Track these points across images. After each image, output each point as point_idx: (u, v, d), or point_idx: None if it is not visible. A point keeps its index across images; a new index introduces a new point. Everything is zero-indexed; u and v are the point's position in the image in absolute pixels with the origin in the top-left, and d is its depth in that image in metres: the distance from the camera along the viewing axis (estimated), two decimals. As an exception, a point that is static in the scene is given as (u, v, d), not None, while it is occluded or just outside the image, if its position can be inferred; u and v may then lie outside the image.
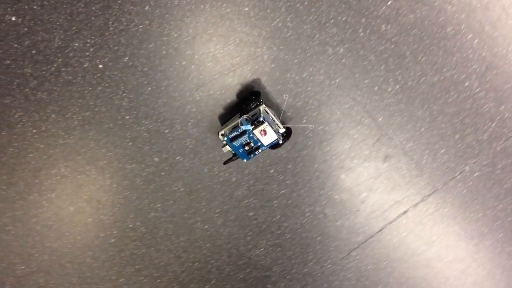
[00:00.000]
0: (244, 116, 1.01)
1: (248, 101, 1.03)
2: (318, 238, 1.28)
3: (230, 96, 1.11)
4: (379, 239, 1.29)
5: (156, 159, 1.16)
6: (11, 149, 1.11)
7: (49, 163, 1.13)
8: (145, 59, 1.06)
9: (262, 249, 1.29)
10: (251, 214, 1.24)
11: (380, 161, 1.20)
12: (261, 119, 0.99)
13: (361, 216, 1.26)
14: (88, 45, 1.03)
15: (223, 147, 1.07)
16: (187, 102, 1.11)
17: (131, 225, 1.23)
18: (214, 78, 1.09)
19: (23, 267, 1.27)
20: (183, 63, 1.07)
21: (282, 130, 1.06)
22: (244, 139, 1.03)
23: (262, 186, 1.20)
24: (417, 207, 1.25)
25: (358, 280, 1.34)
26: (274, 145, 1.07)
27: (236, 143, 1.04)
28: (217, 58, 1.07)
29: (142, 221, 1.22)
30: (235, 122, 1.03)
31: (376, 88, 1.13)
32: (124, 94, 1.08)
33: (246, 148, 1.05)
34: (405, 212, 1.26)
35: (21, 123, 1.08)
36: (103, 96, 1.08)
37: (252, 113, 1.03)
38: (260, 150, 1.05)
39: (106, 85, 1.07)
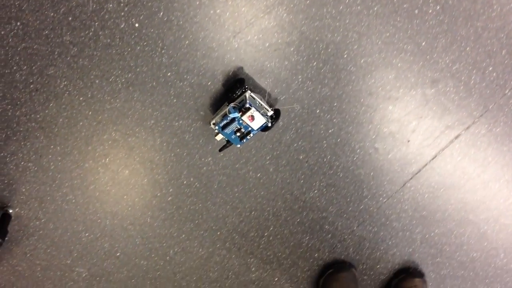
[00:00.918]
0: (231, 104, 1.05)
1: (233, 89, 1.06)
2: (371, 174, 1.28)
3: (268, 39, 1.09)
4: (433, 167, 1.27)
5: (202, 113, 1.16)
6: (61, 120, 1.13)
7: (99, 129, 1.15)
8: (180, 12, 1.05)
9: (316, 191, 1.29)
10: (301, 157, 1.24)
11: (427, 87, 1.17)
12: (247, 105, 1.04)
13: (412, 146, 1.24)
14: (122, 4, 1.03)
15: (216, 135, 1.11)
16: (226, 52, 1.10)
17: (185, 182, 1.25)
18: (250, 23, 1.08)
19: (87, 234, 1.31)
20: (218, 11, 1.06)
21: (270, 113, 1.09)
22: (234, 126, 1.08)
23: (310, 128, 1.20)
24: (469, 129, 1.23)
25: (415, 211, 1.33)
26: (265, 128, 1.10)
27: (228, 130, 1.09)
28: (251, 2, 1.06)
29: (195, 177, 1.24)
30: (224, 111, 1.06)
31: (416, 11, 1.10)
32: (163, 51, 1.08)
33: (238, 134, 1.10)
34: (457, 137, 1.24)
35: (67, 92, 1.09)
36: (142, 55, 1.08)
37: (239, 100, 1.06)
38: (251, 134, 1.10)
39: (145, 43, 1.07)
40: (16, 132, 1.13)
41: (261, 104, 1.07)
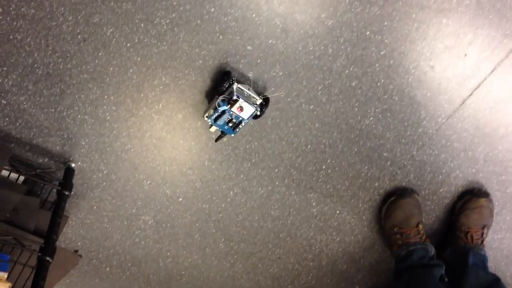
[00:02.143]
0: (220, 98, 1.10)
1: (221, 82, 1.11)
2: (428, 94, 1.24)
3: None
4: (493, 80, 1.22)
5: (249, 47, 1.14)
6: (111, 68, 1.13)
7: (149, 74, 1.15)
8: None
9: (371, 118, 1.26)
10: (354, 84, 1.21)
11: (483, -6, 1.11)
12: (235, 97, 1.10)
13: (470, 61, 1.19)
14: None
15: (210, 127, 1.17)
16: (268, -20, 1.07)
17: (239, 120, 1.24)
18: None
19: (149, 182, 1.34)
20: None
21: (259, 101, 1.15)
22: (226, 117, 1.13)
23: (361, 52, 1.16)
24: (531, 36, 1.16)
25: (476, 129, 1.29)
26: (255, 116, 1.17)
27: (220, 122, 1.15)
28: None
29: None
30: (214, 104, 1.12)
31: None
32: (204, -14, 1.06)
33: (230, 124, 1.16)
34: (518, 45, 1.17)
35: (114, 39, 1.09)
36: (184, -7, 1.06)
37: (227, 92, 1.11)
38: (243, 123, 1.16)
39: (185, -20, 1.05)
40: (70, 85, 1.14)
41: (249, 94, 1.13)
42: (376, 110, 1.25)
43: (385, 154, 1.33)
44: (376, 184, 1.40)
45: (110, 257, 1.49)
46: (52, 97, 1.16)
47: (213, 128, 1.18)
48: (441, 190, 1.41)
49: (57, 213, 1.12)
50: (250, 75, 1.17)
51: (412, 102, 1.24)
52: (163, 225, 1.43)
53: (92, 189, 1.33)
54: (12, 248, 1.08)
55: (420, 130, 1.29)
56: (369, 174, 1.37)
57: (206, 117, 1.16)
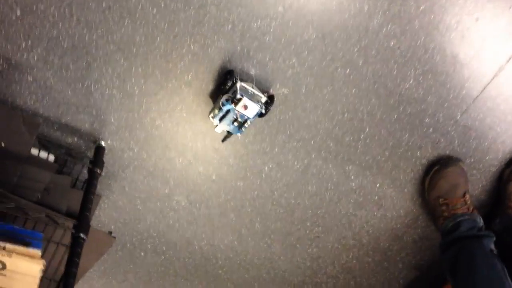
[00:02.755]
0: (224, 97, 1.09)
1: (224, 81, 1.10)
2: (471, 52, 1.16)
3: None
4: (543, 33, 1.14)
5: (280, 8, 1.08)
6: (138, 37, 1.09)
7: (176, 42, 1.10)
8: None
9: (411, 81, 1.19)
10: (392, 43, 1.14)
11: None
12: (239, 96, 1.07)
13: (516, 12, 1.11)
14: None
15: (215, 128, 1.15)
16: None
17: (271, 89, 1.19)
18: None
19: (181, 160, 1.29)
20: None
21: (264, 99, 1.11)
22: (231, 116, 1.10)
23: (399, 8, 1.09)
24: None
25: (525, 88, 1.21)
26: (261, 114, 1.13)
27: (225, 121, 1.12)
28: None
29: (281, 82, 1.18)
30: (218, 104, 1.10)
31: None
32: None
33: (235, 123, 1.12)
34: None
35: (140, 5, 1.05)
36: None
37: (231, 91, 1.09)
38: (248, 122, 1.12)
39: None
40: (96, 58, 1.11)
41: (253, 93, 1.10)
42: (416, 72, 1.18)
43: (427, 120, 1.26)
44: (418, 153, 1.33)
45: (144, 241, 1.45)
46: (78, 71, 1.12)
47: (219, 129, 1.15)
48: (487, 158, 1.34)
49: (89, 190, 1.08)
50: (252, 72, 1.14)
51: (455, 62, 1.17)
52: (197, 205, 1.39)
53: (123, 169, 1.29)
54: (45, 226, 1.04)
55: (463, 92, 1.22)
56: (410, 143, 1.30)
57: (212, 117, 1.14)
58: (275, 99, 1.15)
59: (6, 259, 0.91)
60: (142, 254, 1.48)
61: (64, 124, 1.20)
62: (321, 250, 1.52)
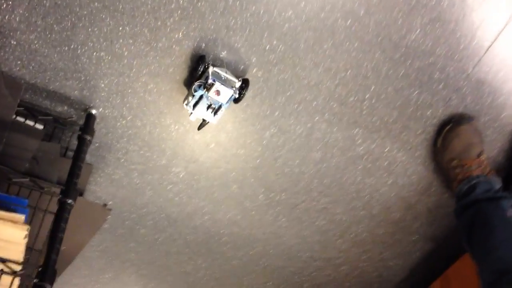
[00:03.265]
0: (196, 83, 1.05)
1: (196, 67, 1.07)
2: (482, -4, 1.08)
3: None
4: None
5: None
6: (123, -8, 1.03)
7: (165, -3, 1.04)
8: None
9: (418, 31, 1.12)
10: (395, -10, 1.06)
11: None
12: (210, 81, 1.04)
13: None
14: None
15: (190, 115, 1.11)
16: None
17: (268, 46, 1.12)
18: None
19: (177, 127, 1.23)
20: None
21: (238, 84, 1.08)
22: (204, 103, 1.07)
23: (400, -51, 1.02)
24: None
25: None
26: (236, 99, 1.10)
27: (199, 108, 1.08)
28: None
29: (278, 38, 1.11)
30: (191, 90, 1.07)
31: None
32: None
33: (209, 110, 1.09)
34: None
35: (123, -44, 0.99)
36: None
37: (203, 77, 1.06)
38: (223, 108, 1.09)
39: None
40: (81, 17, 1.05)
41: (226, 78, 1.07)
42: (423, 21, 1.10)
43: (436, 75, 1.18)
44: (429, 112, 1.25)
45: (144, 217, 1.39)
46: (63, 33, 1.06)
47: (193, 116, 1.11)
48: (503, 115, 1.25)
49: (78, 156, 1.03)
50: (223, 54, 1.11)
51: (464, 6, 1.09)
52: (196, 176, 1.32)
53: (118, 139, 1.23)
54: (30, 192, 0.99)
55: (474, 42, 1.14)
56: (419, 101, 1.22)
57: (186, 104, 1.11)
58: (249, 83, 1.11)
59: (-14, 225, 0.86)
60: (142, 231, 1.42)
61: (52, 91, 1.14)
62: (330, 223, 1.44)
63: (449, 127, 1.23)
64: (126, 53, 1.10)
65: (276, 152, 1.29)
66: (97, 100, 1.16)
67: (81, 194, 1.21)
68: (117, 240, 1.43)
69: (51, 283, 0.81)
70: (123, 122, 1.21)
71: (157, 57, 1.11)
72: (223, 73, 1.07)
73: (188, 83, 1.14)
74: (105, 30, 1.07)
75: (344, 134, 1.26)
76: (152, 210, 1.37)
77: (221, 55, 1.11)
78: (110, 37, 1.08)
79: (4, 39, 1.06)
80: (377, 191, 1.37)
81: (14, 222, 0.87)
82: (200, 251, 1.48)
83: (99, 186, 1.32)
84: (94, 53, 1.10)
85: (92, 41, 1.08)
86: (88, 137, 1.08)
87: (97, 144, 1.24)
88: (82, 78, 1.13)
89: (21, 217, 0.88)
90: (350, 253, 1.52)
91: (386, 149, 1.30)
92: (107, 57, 1.10)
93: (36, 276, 0.81)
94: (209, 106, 1.08)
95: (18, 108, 1.07)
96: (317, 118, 1.23)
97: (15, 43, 1.07)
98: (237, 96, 1.09)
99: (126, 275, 1.52)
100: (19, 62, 1.09)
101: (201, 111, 1.09)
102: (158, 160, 1.28)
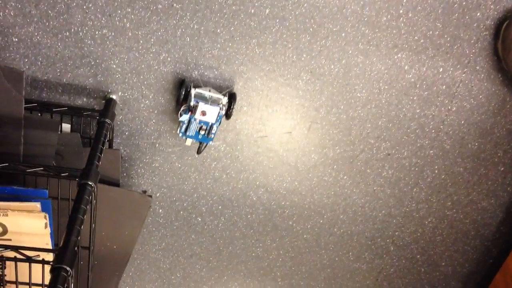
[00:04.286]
0: (182, 108, 1.05)
1: (180, 92, 1.06)
2: None
3: None
4: None
5: None
6: (106, -44, 0.97)
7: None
8: None
9: None
10: None
11: None
12: (193, 103, 1.03)
13: None
14: None
15: (185, 141, 1.11)
16: None
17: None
18: None
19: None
20: None
21: (225, 100, 1.06)
22: (194, 126, 1.07)
23: None
24: None
25: None
26: (226, 115, 1.08)
27: (191, 132, 1.08)
28: None
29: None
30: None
31: None
32: None
33: (202, 132, 1.08)
34: None
35: None
36: None
37: (188, 100, 1.05)
38: (215, 127, 1.08)
39: None
40: (72, -5, 0.99)
41: (211, 96, 1.05)
42: None
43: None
44: (478, 13, 1.07)
45: (196, 203, 1.31)
46: (60, 17, 1.02)
47: (189, 141, 1.11)
48: None
49: (98, 139, 0.96)
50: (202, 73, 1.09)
51: None
52: (238, 146, 1.22)
53: (146, 123, 1.16)
54: (48, 181, 0.93)
55: None
56: (464, 3, 1.05)
57: (179, 132, 1.09)
58: (237, 96, 1.10)
59: (2, 219, 0.80)
60: (199, 219, 1.34)
61: (67, 84, 1.10)
62: (398, 170, 1.28)
63: (506, 25, 1.05)
64: (128, 25, 1.04)
65: (316, 101, 1.16)
66: (114, 84, 1.10)
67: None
68: (176, 234, 1.36)
69: (71, 266, 0.73)
70: (146, 102, 1.14)
71: (161, 21, 1.04)
72: (206, 92, 1.04)
73: (177, 111, 1.11)
74: (100, 4, 1.01)
75: (387, 62, 1.11)
76: (202, 194, 1.29)
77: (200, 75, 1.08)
78: (108, 11, 1.02)
79: (6, 39, 1.03)
80: (443, 122, 1.20)
81: (29, 211, 0.81)
82: (265, 230, 1.37)
83: (142, 178, 1.25)
84: (96, 32, 1.04)
85: (91, 19, 1.03)
86: (108, 120, 1.02)
87: (127, 133, 1.17)
88: (92, 63, 1.07)
89: (36, 205, 0.82)
90: (431, 201, 1.34)
91: (440, 70, 1.13)
92: (110, 33, 1.04)
93: (54, 259, 0.74)
94: (200, 128, 1.08)
95: (32, 105, 1.03)
96: (350, 50, 1.09)
97: (16, 40, 1.03)
98: (223, 112, 1.07)
99: (196, 271, 1.44)
100: (26, 60, 1.06)
101: (194, 135, 1.09)
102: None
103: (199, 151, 1.14)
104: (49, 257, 0.84)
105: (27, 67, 1.07)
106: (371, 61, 1.11)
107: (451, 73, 1.13)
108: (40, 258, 0.80)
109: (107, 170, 1.09)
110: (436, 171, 1.28)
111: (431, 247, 1.41)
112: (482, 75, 1.14)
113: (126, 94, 1.12)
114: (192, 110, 1.04)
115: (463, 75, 1.13)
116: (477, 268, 1.45)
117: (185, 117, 1.05)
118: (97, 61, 1.07)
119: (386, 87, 1.15)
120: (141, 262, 1.39)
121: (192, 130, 1.08)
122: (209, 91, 1.05)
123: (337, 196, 1.31)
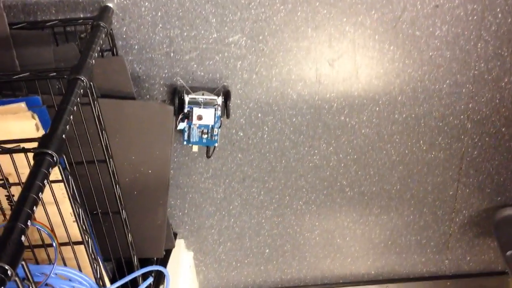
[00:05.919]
0: (180, 117, 1.06)
1: (174, 102, 1.07)
2: None
3: None
4: None
5: None
6: None
7: None
8: None
9: None
10: None
11: None
12: (186, 110, 1.05)
13: None
14: None
15: (192, 148, 1.14)
16: None
17: None
18: None
19: None
20: None
21: (220, 100, 1.07)
22: (195, 132, 1.09)
23: None
24: None
25: None
26: (227, 115, 1.09)
27: (194, 138, 1.10)
28: None
29: None
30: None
31: None
32: None
33: (205, 136, 1.09)
34: None
35: None
36: None
37: (183, 108, 1.06)
38: (216, 129, 1.09)
39: None
40: None
41: (205, 99, 1.06)
42: None
43: None
44: None
45: (233, 115, 1.18)
46: None
47: (195, 147, 1.14)
48: None
49: (92, 40, 0.86)
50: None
51: None
52: (261, 37, 1.08)
53: (153, 30, 1.05)
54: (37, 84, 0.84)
55: None
56: None
57: (183, 140, 1.12)
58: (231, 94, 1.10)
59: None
60: (241, 134, 1.21)
61: (59, 2, 1.00)
62: (453, 25, 1.09)
63: None
64: None
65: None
66: (106, -11, 1.00)
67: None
68: (220, 157, 1.24)
69: (59, 153, 0.63)
70: (147, 5, 1.03)
71: None
72: (199, 97, 1.06)
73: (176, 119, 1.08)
74: None
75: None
76: (236, 102, 1.15)
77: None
78: None
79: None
80: None
81: (15, 113, 0.72)
82: (317, 133, 1.21)
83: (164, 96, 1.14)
84: None
85: None
86: (102, 23, 0.91)
87: (136, 46, 1.07)
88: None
89: (21, 104, 0.73)
90: (502, 56, 1.12)
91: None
92: None
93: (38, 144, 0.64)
94: (202, 133, 1.09)
95: (22, 25, 0.95)
96: None
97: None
98: (219, 113, 1.07)
99: (254, 195, 1.31)
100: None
101: (198, 141, 1.10)
102: (207, 34, 1.06)
103: (208, 155, 1.16)
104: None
105: (12, -9, 0.99)
106: None
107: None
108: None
109: (116, 82, 0.99)
110: (500, 15, 1.06)
111: (516, 115, 1.19)
112: None
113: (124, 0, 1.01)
114: (187, 117, 1.06)
115: None
116: None
117: (182, 125, 1.07)
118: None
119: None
120: (193, 195, 1.28)
121: (194, 136, 1.10)
122: (202, 94, 1.06)
123: (388, 74, 1.13)
